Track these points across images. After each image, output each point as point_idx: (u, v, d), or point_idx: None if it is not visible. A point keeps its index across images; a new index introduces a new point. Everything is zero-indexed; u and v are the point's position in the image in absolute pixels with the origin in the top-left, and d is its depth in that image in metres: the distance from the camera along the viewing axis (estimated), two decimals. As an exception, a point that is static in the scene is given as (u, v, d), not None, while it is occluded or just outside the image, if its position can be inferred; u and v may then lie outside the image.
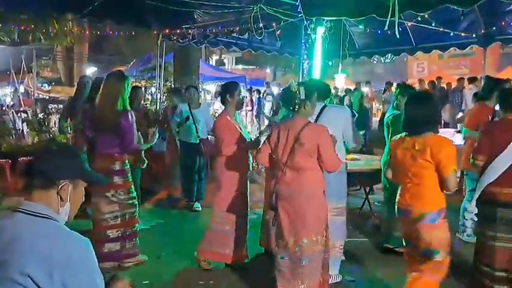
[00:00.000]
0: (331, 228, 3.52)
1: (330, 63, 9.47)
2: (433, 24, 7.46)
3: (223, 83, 5.12)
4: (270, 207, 3.61)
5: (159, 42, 9.48)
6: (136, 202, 4.34)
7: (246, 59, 30.78)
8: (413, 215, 3.07)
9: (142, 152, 5.16)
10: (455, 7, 5.14)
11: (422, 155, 2.98)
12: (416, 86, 14.36)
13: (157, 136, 4.71)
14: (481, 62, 13.55)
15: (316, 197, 3.37)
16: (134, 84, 8.55)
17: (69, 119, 6.20)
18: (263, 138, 3.94)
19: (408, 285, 3.15)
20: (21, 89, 16.81)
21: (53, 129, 9.37)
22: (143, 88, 14.17)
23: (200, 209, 6.35)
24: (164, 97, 10.57)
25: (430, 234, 3.01)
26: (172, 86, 11.28)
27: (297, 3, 5.90)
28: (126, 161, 4.25)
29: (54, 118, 10.40)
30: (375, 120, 15.78)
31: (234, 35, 8.76)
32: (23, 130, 8.95)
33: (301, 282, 3.34)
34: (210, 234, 4.28)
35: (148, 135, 4.77)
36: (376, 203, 6.26)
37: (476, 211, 3.62)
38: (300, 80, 6.05)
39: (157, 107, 9.92)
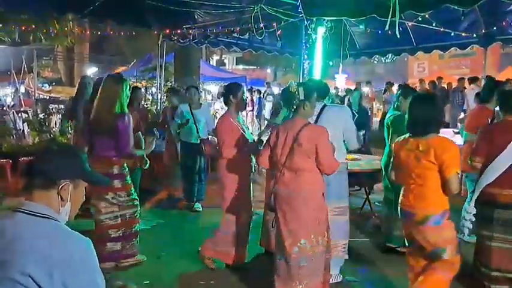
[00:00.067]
0: (332, 228, 3.52)
1: (331, 63, 9.47)
2: (434, 24, 7.46)
3: (226, 84, 5.12)
4: (269, 208, 3.61)
5: (159, 42, 9.49)
6: (137, 202, 4.33)
7: (247, 59, 30.79)
8: (416, 218, 3.07)
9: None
10: (456, 7, 5.13)
11: (426, 156, 2.98)
12: (417, 86, 14.39)
13: (154, 146, 4.67)
14: (481, 62, 13.56)
15: (315, 198, 3.36)
16: (134, 85, 8.57)
17: (70, 120, 6.21)
18: (264, 138, 3.94)
19: (420, 283, 3.14)
20: (22, 89, 16.83)
21: (54, 129, 9.38)
22: (144, 88, 14.24)
23: (201, 209, 6.35)
24: (165, 97, 10.58)
25: (436, 235, 3.03)
26: (175, 86, 11.28)
27: (298, 3, 5.90)
28: (125, 165, 4.25)
29: (55, 118, 10.42)
30: (376, 120, 15.77)
31: (235, 35, 8.77)
32: (23, 130, 8.96)
33: (299, 282, 3.33)
34: (218, 234, 4.29)
35: (146, 140, 4.75)
36: (376, 203, 6.26)
37: (474, 211, 3.63)
38: (301, 80, 6.06)
39: (158, 107, 9.93)
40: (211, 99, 19.04)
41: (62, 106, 11.86)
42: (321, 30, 6.21)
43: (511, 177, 3.45)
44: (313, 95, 3.45)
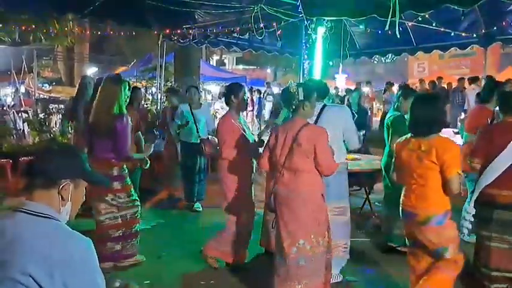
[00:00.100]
0: (332, 228, 3.51)
1: (331, 63, 9.48)
2: (434, 24, 7.46)
3: (227, 84, 5.12)
4: (269, 209, 3.61)
5: (159, 42, 9.49)
6: (138, 203, 4.31)
7: (247, 59, 30.78)
8: (418, 218, 3.08)
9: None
10: (456, 7, 5.14)
11: (428, 156, 2.99)
12: (417, 86, 14.40)
13: (152, 149, 4.64)
14: (481, 62, 13.57)
15: (314, 199, 3.34)
16: (134, 85, 8.58)
17: (70, 120, 6.21)
18: (265, 138, 3.94)
19: (424, 281, 3.15)
20: (22, 89, 16.83)
21: (54, 129, 9.39)
22: (144, 88, 14.23)
23: (201, 209, 6.35)
24: (164, 97, 10.59)
25: (438, 235, 3.04)
26: (173, 86, 11.28)
27: (298, 3, 5.90)
28: (124, 166, 4.24)
29: (55, 118, 10.43)
30: (376, 120, 15.77)
31: (235, 35, 8.76)
32: (23, 130, 8.97)
33: (298, 282, 3.33)
34: (223, 234, 4.29)
35: (146, 140, 4.73)
36: (376, 203, 6.26)
37: (474, 212, 3.63)
38: (301, 80, 6.06)
39: (158, 107, 9.93)
40: (211, 99, 19.05)
41: (62, 106, 11.87)
42: (321, 30, 6.21)
43: (510, 178, 3.45)
44: (312, 95, 3.44)
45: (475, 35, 8.12)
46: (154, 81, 12.19)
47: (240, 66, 33.33)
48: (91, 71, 20.39)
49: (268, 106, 16.33)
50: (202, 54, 16.82)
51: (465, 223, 3.68)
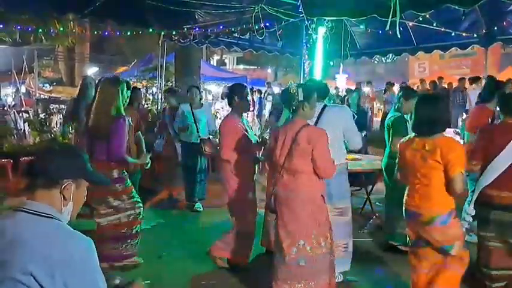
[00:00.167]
0: (333, 228, 3.49)
1: (331, 63, 9.48)
2: (434, 24, 7.46)
3: (231, 85, 5.11)
4: (270, 209, 3.61)
5: (160, 42, 9.50)
6: (140, 205, 4.27)
7: (247, 59, 30.76)
8: (422, 218, 3.08)
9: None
10: (456, 7, 5.14)
11: (433, 156, 2.99)
12: (418, 86, 14.40)
13: (148, 160, 4.56)
14: (482, 62, 13.55)
15: (313, 199, 3.33)
16: (134, 85, 8.58)
17: (71, 121, 6.20)
18: (267, 136, 3.94)
19: (432, 279, 3.15)
20: (23, 89, 16.83)
21: (55, 129, 9.40)
22: (144, 88, 14.25)
23: (201, 209, 6.35)
24: (164, 97, 10.60)
25: (443, 234, 3.05)
26: (174, 86, 11.29)
27: (298, 3, 5.91)
28: (124, 168, 4.23)
29: (56, 118, 10.44)
30: (377, 120, 15.77)
31: (235, 35, 8.76)
32: (24, 130, 8.98)
33: (298, 282, 3.32)
34: (228, 235, 4.29)
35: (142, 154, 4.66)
36: (377, 203, 6.26)
37: (473, 213, 3.64)
38: (301, 80, 6.06)
39: (159, 107, 9.94)
40: (212, 99, 19.04)
41: (63, 106, 11.87)
42: (322, 30, 6.21)
43: (510, 178, 3.45)
44: (312, 95, 3.42)
45: (475, 35, 8.11)
46: (155, 81, 12.21)
47: (241, 66, 33.32)
48: (92, 71, 20.39)
49: (268, 106, 16.34)
50: (202, 54, 16.81)
51: (464, 224, 3.69)
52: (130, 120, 4.77)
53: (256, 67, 31.72)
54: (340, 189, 4.00)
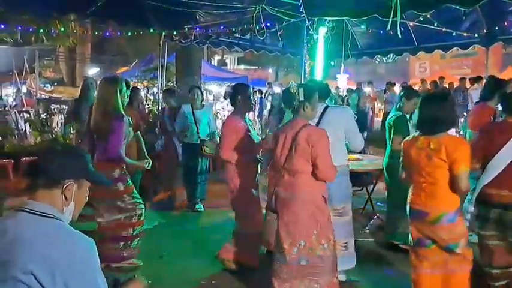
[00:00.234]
0: (333, 228, 3.50)
1: (332, 63, 9.47)
2: (435, 24, 7.45)
3: (233, 84, 5.10)
4: (270, 209, 3.61)
5: (161, 42, 9.50)
6: (142, 205, 4.26)
7: (248, 59, 30.76)
8: (429, 217, 3.07)
9: (145, 152, 5.16)
10: (457, 7, 5.14)
11: (438, 154, 2.99)
12: (419, 86, 14.38)
13: (146, 165, 4.52)
14: (483, 62, 13.54)
15: (313, 200, 3.31)
16: (135, 85, 8.58)
17: (73, 122, 6.21)
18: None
19: (441, 283, 3.16)
20: (24, 89, 16.84)
21: (56, 129, 9.41)
22: (145, 88, 14.24)
23: (202, 209, 6.35)
24: (164, 98, 10.59)
25: (449, 232, 3.06)
26: (174, 86, 11.29)
27: (299, 4, 5.90)
28: (124, 168, 4.22)
29: (57, 118, 10.45)
30: (378, 120, 15.76)
31: (236, 35, 8.76)
32: (25, 130, 8.99)
33: (300, 281, 3.32)
34: (236, 237, 4.29)
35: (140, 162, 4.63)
36: (378, 203, 6.26)
37: (474, 211, 3.63)
38: (302, 81, 6.06)
39: (160, 107, 9.94)
40: (213, 99, 19.04)
41: (64, 106, 11.88)
42: (323, 31, 6.21)
43: (509, 177, 3.44)
44: (313, 96, 3.40)
45: (476, 35, 8.10)
46: (156, 82, 12.21)
47: (242, 66, 33.31)
48: (93, 71, 20.42)
49: (269, 106, 16.34)
50: (203, 54, 16.80)
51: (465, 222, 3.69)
52: (130, 119, 4.76)
53: (257, 67, 31.72)
54: (340, 191, 3.96)
